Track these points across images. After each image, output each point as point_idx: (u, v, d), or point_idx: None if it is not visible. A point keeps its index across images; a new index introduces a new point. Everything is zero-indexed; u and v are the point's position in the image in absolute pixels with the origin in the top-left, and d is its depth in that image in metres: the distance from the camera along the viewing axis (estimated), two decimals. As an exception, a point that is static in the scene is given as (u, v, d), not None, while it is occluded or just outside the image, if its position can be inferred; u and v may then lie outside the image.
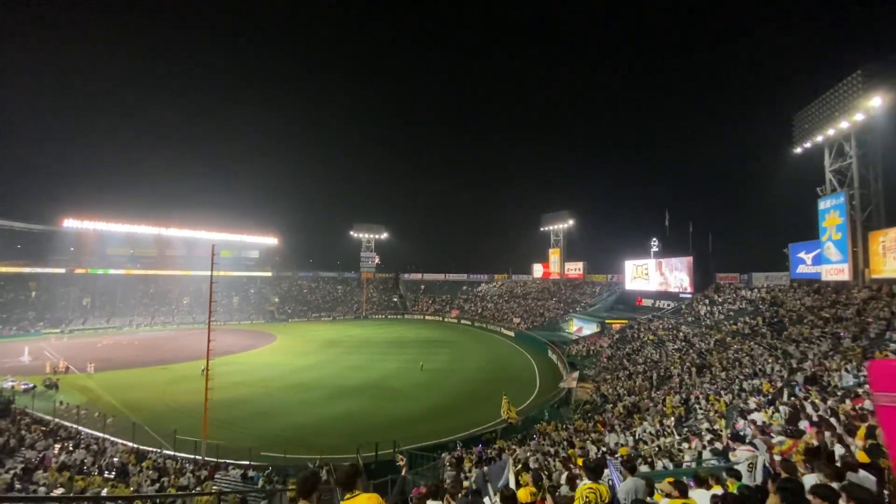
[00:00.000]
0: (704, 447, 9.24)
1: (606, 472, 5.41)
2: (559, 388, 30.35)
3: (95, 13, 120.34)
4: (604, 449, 14.17)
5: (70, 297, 65.17)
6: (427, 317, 79.34)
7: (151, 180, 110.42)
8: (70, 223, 65.08)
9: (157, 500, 12.08)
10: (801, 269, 33.07)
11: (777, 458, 5.66)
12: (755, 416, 13.16)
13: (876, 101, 25.64)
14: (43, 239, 66.41)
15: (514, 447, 17.67)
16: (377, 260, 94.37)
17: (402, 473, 4.65)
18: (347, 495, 3.13)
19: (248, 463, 17.95)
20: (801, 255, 33.06)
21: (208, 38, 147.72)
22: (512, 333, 56.71)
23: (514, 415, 22.20)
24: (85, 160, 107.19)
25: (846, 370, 16.45)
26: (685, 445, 10.98)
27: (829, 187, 30.46)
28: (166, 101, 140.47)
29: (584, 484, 4.40)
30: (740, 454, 5.43)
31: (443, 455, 17.42)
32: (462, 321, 72.18)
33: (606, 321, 46.56)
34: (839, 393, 13.57)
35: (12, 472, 14.37)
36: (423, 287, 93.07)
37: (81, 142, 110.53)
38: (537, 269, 79.71)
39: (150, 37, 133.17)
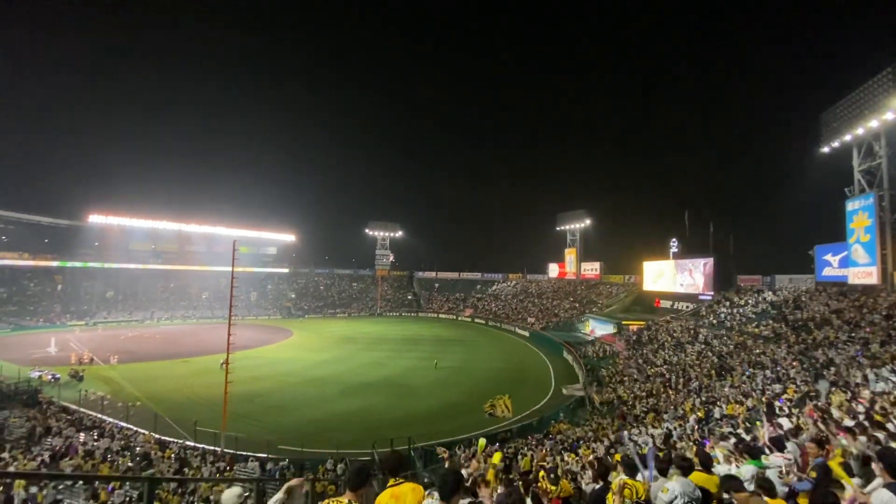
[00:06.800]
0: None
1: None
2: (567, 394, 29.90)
3: (119, 14, 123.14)
4: (623, 449, 13.95)
5: (94, 290, 67.14)
6: (441, 315, 79.30)
7: (174, 177, 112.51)
8: (95, 218, 66.72)
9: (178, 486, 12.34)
10: (827, 271, 32.12)
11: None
12: (781, 420, 12.80)
13: (907, 100, 24.76)
14: (69, 234, 68.32)
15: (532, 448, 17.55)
16: (392, 258, 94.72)
17: (446, 465, 4.68)
18: (392, 481, 3.11)
19: (265, 455, 18.21)
20: (828, 257, 32.09)
21: (230, 39, 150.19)
22: (527, 333, 56.32)
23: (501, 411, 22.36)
24: (110, 157, 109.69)
25: (874, 374, 15.94)
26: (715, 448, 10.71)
27: (858, 188, 29.53)
28: (189, 100, 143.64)
29: (620, 478, 4.34)
30: (773, 460, 5.23)
31: (457, 451, 17.39)
32: (476, 320, 71.99)
33: (623, 322, 45.92)
34: (868, 397, 13.13)
35: (40, 458, 14.85)
36: (437, 285, 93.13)
37: (107, 139, 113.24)
38: (553, 269, 78.95)
39: (174, 37, 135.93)
